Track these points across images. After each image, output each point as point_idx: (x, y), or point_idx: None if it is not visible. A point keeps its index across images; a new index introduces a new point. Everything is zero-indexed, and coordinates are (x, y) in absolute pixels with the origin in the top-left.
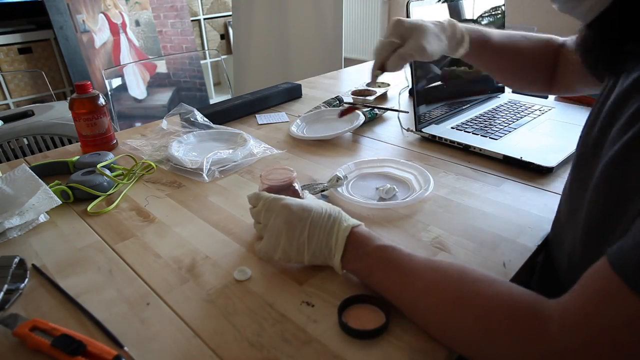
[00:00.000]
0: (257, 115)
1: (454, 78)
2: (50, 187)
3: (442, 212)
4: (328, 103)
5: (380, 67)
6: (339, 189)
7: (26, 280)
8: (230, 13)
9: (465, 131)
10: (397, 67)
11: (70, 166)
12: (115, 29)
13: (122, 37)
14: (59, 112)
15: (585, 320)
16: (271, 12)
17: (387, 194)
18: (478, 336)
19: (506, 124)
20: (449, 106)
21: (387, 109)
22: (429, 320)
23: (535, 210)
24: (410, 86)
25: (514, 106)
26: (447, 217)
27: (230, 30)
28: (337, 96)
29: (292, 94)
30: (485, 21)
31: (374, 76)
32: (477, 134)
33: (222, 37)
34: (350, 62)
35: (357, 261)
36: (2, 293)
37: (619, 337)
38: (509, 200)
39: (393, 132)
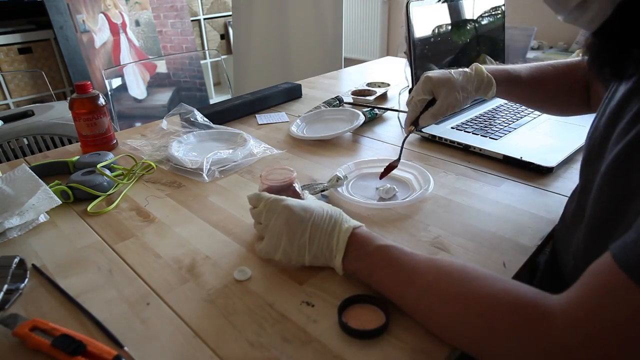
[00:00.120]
0: (257, 115)
1: None
2: (50, 187)
3: (442, 212)
4: (328, 103)
5: (413, 123)
6: (339, 189)
7: (26, 280)
8: (230, 13)
9: (465, 131)
10: (429, 124)
11: (70, 166)
12: (115, 29)
13: (122, 37)
14: (59, 112)
15: (588, 314)
16: (271, 12)
17: (387, 194)
18: (482, 332)
19: (506, 124)
20: None
21: (387, 109)
22: (432, 318)
23: (535, 210)
24: (410, 86)
25: (514, 106)
26: (447, 217)
27: (230, 30)
28: (337, 96)
29: (292, 94)
30: (485, 21)
31: (409, 132)
32: (477, 134)
33: (222, 37)
34: (350, 62)
35: (359, 261)
36: (2, 293)
37: (623, 330)
38: (509, 200)
39: (393, 132)
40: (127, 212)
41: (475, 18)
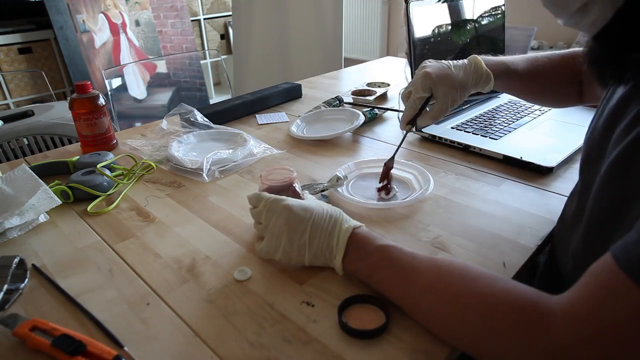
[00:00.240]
0: (257, 115)
1: None
2: (50, 187)
3: (442, 212)
4: (328, 103)
5: (411, 122)
6: (339, 189)
7: (26, 280)
8: (230, 13)
9: (465, 131)
10: (427, 125)
11: (70, 166)
12: (115, 29)
13: (122, 37)
14: (59, 112)
15: (589, 314)
16: (271, 12)
17: (387, 195)
18: (482, 332)
19: (506, 124)
20: None
21: (387, 109)
22: (432, 318)
23: (535, 210)
24: None
25: (514, 106)
26: (447, 217)
27: (230, 30)
28: (337, 96)
29: (292, 94)
30: (485, 21)
31: (408, 130)
32: (477, 134)
33: (222, 37)
34: (350, 62)
35: (359, 261)
36: (2, 293)
37: (623, 331)
38: (509, 200)
39: (393, 132)
40: (127, 212)
41: (475, 18)
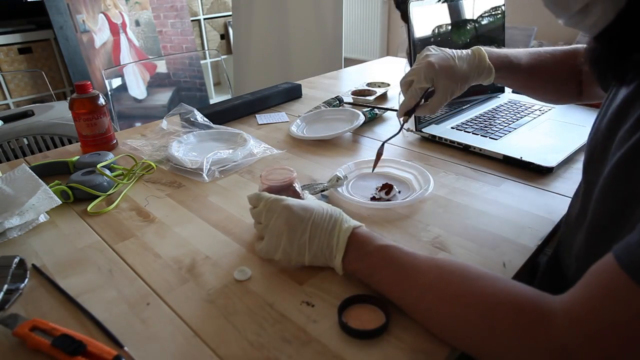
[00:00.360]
0: (257, 115)
1: None
2: (50, 187)
3: (442, 212)
4: (328, 103)
5: (409, 112)
6: (339, 189)
7: (26, 280)
8: (230, 13)
9: (465, 131)
10: (425, 115)
11: (70, 166)
12: (115, 29)
13: (122, 37)
14: (59, 112)
15: (590, 314)
16: (271, 12)
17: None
18: (482, 332)
19: (506, 124)
20: (449, 106)
21: (387, 109)
22: (432, 318)
23: (535, 210)
24: None
25: (514, 106)
26: (447, 217)
27: (230, 30)
28: (337, 96)
29: (292, 94)
30: (485, 21)
31: (405, 121)
32: (477, 134)
33: (222, 37)
34: (350, 62)
35: (359, 261)
36: (2, 293)
37: (625, 331)
38: (509, 200)
39: (393, 132)
40: (127, 212)
41: (475, 18)
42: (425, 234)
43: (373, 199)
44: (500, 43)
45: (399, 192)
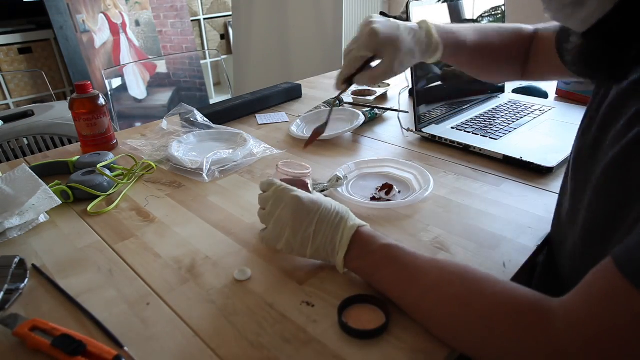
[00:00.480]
0: (257, 115)
1: (454, 78)
2: (50, 187)
3: (442, 212)
4: (328, 103)
5: (348, 80)
6: (339, 189)
7: (26, 280)
8: (230, 13)
9: (465, 131)
10: (364, 85)
11: (70, 166)
12: (115, 29)
13: (122, 37)
14: (59, 112)
15: (589, 318)
16: (271, 12)
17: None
18: (482, 334)
19: (506, 124)
20: (449, 106)
21: (387, 109)
22: (432, 318)
23: (535, 210)
24: (410, 86)
25: (514, 106)
26: (447, 217)
27: (230, 30)
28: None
29: (292, 94)
30: (485, 21)
31: (342, 90)
32: (477, 134)
33: (222, 37)
34: None
35: (360, 259)
36: (2, 293)
37: (624, 335)
38: (509, 200)
39: (393, 132)
40: (127, 212)
41: (475, 18)
42: (425, 234)
43: (373, 199)
44: None
45: (399, 192)
